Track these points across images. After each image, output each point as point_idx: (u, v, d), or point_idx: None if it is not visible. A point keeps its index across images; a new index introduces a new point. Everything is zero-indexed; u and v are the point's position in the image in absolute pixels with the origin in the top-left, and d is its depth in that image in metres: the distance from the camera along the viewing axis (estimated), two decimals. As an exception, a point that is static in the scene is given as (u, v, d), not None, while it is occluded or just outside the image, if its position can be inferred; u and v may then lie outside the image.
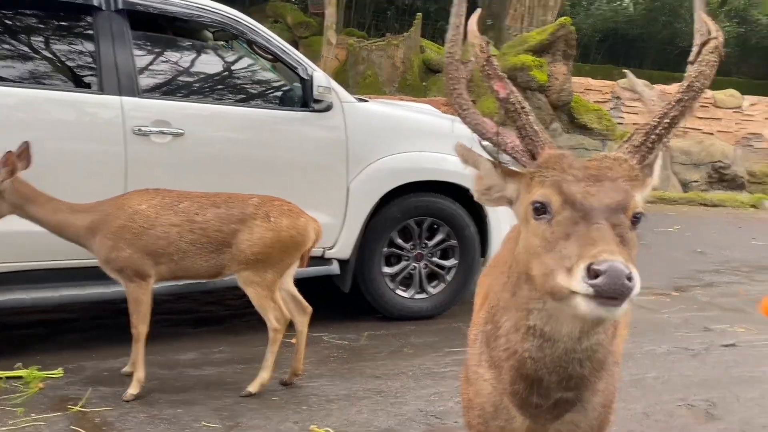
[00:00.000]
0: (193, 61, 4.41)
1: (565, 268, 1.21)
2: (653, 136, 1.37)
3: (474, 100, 1.60)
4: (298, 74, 4.16)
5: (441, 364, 3.93)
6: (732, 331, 4.81)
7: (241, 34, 4.22)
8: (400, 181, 4.40)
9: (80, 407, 3.15)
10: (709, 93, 12.85)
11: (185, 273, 3.31)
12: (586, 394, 1.52)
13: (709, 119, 12.68)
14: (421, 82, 13.14)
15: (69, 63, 4.01)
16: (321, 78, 4.11)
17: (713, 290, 5.99)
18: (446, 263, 4.66)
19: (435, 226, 4.62)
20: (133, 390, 3.24)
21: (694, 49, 1.51)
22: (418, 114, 4.94)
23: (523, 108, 1.41)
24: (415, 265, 4.62)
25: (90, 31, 3.82)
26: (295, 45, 13.74)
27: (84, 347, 3.94)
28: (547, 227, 1.30)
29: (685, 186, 11.34)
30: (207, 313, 4.78)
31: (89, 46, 3.88)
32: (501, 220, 4.58)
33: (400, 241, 4.56)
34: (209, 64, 4.50)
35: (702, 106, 12.71)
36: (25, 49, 3.92)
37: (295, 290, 3.56)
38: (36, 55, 3.94)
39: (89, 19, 3.80)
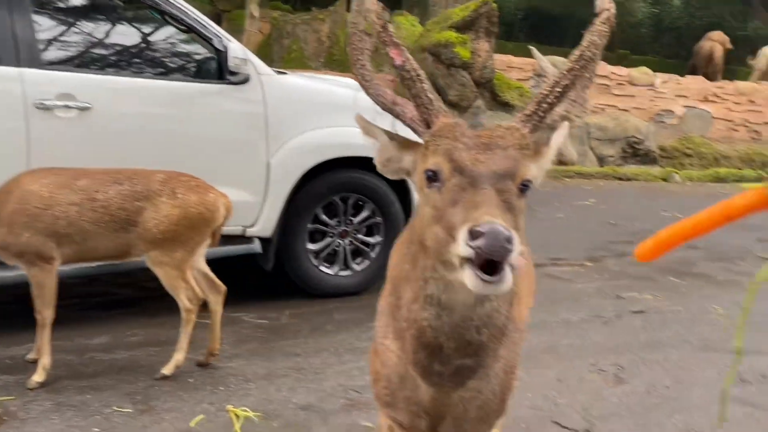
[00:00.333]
0: (101, 32, 4.17)
1: (452, 234, 1.21)
2: (545, 105, 1.39)
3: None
4: (213, 46, 4.02)
5: (363, 339, 3.93)
6: (641, 299, 5.04)
7: (154, 3, 4.02)
8: (322, 157, 4.33)
9: (-21, 398, 2.99)
10: (624, 71, 13.34)
11: (92, 254, 3.17)
12: (487, 361, 1.54)
13: (624, 96, 13.14)
14: (347, 57, 13.00)
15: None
16: (236, 49, 3.97)
17: (625, 260, 6.25)
18: (371, 240, 4.65)
19: (360, 203, 4.60)
20: (37, 377, 3.10)
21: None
22: (342, 88, 4.86)
23: (418, 76, 1.39)
24: (340, 241, 4.59)
25: None
26: (218, 18, 13.31)
27: (-15, 335, 3.74)
28: (438, 195, 1.30)
29: (602, 161, 11.75)
30: (120, 295, 4.62)
31: None
32: None
33: (325, 217, 4.51)
34: (119, 34, 4.24)
35: (618, 84, 13.16)
36: None
37: (207, 269, 3.47)
38: None
39: None
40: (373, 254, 4.67)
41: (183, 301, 3.21)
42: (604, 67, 13.09)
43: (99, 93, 3.75)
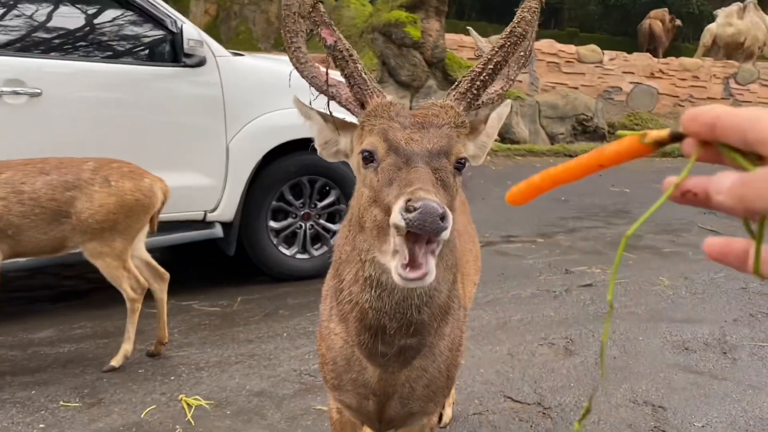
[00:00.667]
0: (50, 15, 4.00)
1: (387, 213, 1.20)
2: (478, 83, 1.38)
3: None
4: (166, 27, 3.91)
5: (317, 323, 3.87)
6: (590, 272, 5.16)
7: None
8: (282, 138, 4.26)
9: None
10: (573, 49, 13.52)
11: (27, 249, 3.04)
12: (431, 339, 1.55)
13: (573, 74, 13.35)
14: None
15: None
16: (191, 31, 3.89)
17: (574, 235, 6.38)
18: (333, 227, 4.63)
19: (327, 188, 4.57)
20: (-22, 375, 2.99)
21: None
22: None
23: (351, 56, 1.37)
24: (302, 224, 4.57)
25: None
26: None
27: None
28: (374, 175, 1.28)
29: (552, 139, 11.94)
30: (66, 287, 4.49)
31: None
32: None
33: (290, 197, 4.49)
34: (69, 17, 4.08)
35: (567, 62, 13.35)
36: None
37: (148, 256, 3.40)
38: None
39: None
40: (332, 241, 4.65)
41: (126, 290, 3.14)
42: (553, 45, 13.25)
43: (49, 78, 3.63)
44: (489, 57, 1.39)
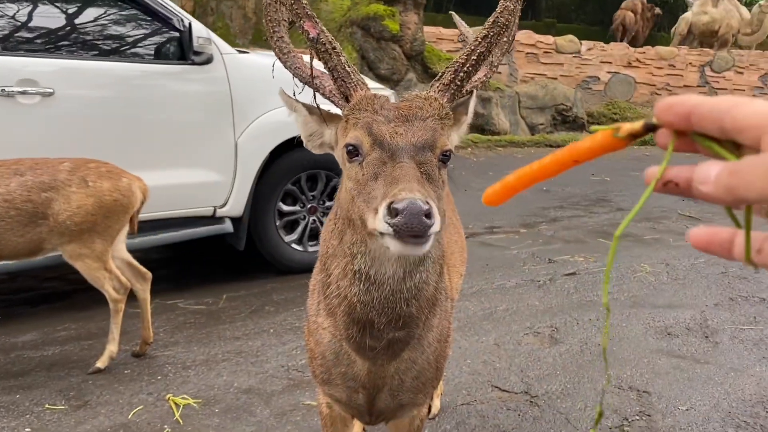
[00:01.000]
0: (62, 15, 4.03)
1: (373, 209, 1.20)
2: (462, 74, 1.38)
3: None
4: (173, 26, 3.96)
5: (303, 318, 3.90)
6: (573, 261, 5.20)
7: None
8: (288, 134, 4.28)
9: None
10: (551, 39, 13.58)
11: (3, 252, 2.97)
12: (419, 332, 1.55)
13: (552, 64, 13.41)
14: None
15: None
16: (200, 29, 3.94)
17: (557, 224, 6.43)
18: None
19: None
20: (-40, 381, 2.94)
21: None
22: None
23: (334, 48, 1.36)
24: (306, 216, 4.64)
25: None
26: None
27: None
28: (359, 169, 1.28)
29: (533, 129, 11.99)
30: (48, 289, 4.43)
31: None
32: None
33: (305, 186, 4.58)
34: (80, 17, 4.12)
35: (545, 53, 13.40)
36: None
37: (129, 257, 3.37)
38: None
39: None
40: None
41: (109, 291, 3.11)
42: (531, 36, 13.30)
43: (62, 78, 3.66)
44: (473, 48, 1.39)
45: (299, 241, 4.65)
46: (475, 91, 1.48)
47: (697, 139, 0.53)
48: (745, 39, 16.03)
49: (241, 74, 4.18)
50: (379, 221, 1.14)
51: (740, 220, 0.54)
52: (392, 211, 1.12)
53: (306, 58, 1.48)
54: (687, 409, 2.99)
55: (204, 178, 4.09)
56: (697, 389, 3.18)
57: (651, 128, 0.56)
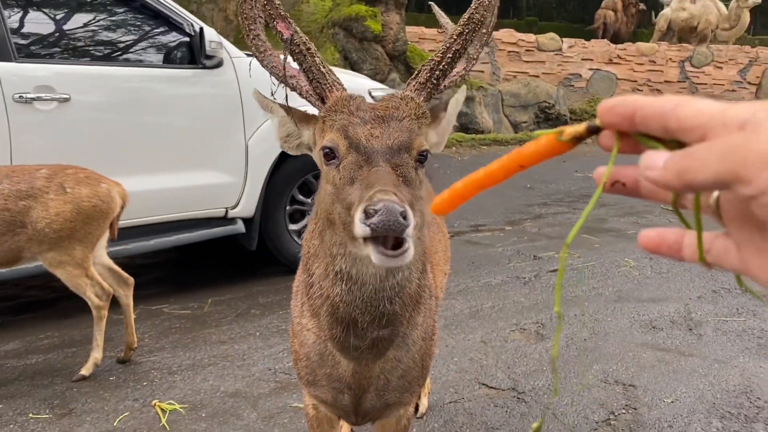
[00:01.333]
0: (76, 22, 4.06)
1: (350, 213, 1.19)
2: (438, 72, 1.38)
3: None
4: (183, 31, 4.01)
5: (289, 320, 3.90)
6: (557, 258, 5.23)
7: None
8: None
9: None
10: (532, 37, 13.65)
11: None
12: (404, 329, 1.55)
13: (534, 62, 13.48)
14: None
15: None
16: (212, 33, 3.99)
17: (541, 221, 6.47)
18: None
19: None
20: (-59, 392, 2.90)
21: None
22: None
23: (308, 49, 1.35)
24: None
25: None
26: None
27: None
28: (336, 173, 1.27)
29: (516, 127, 12.05)
30: (30, 297, 4.39)
31: None
32: None
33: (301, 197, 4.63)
34: (93, 23, 4.16)
35: (527, 51, 13.47)
36: None
37: (111, 262, 3.34)
38: None
39: None
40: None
41: (91, 298, 3.08)
42: (512, 35, 13.36)
43: (78, 84, 3.69)
44: (448, 45, 1.38)
45: (299, 235, 4.67)
46: (463, 88, 1.47)
47: (641, 139, 0.53)
48: (723, 34, 16.22)
49: (250, 77, 4.25)
50: (356, 225, 1.14)
51: (689, 220, 0.54)
52: (368, 213, 1.11)
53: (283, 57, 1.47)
54: (672, 402, 3.02)
55: (216, 180, 4.16)
56: (682, 381, 3.21)
57: (594, 130, 0.56)
